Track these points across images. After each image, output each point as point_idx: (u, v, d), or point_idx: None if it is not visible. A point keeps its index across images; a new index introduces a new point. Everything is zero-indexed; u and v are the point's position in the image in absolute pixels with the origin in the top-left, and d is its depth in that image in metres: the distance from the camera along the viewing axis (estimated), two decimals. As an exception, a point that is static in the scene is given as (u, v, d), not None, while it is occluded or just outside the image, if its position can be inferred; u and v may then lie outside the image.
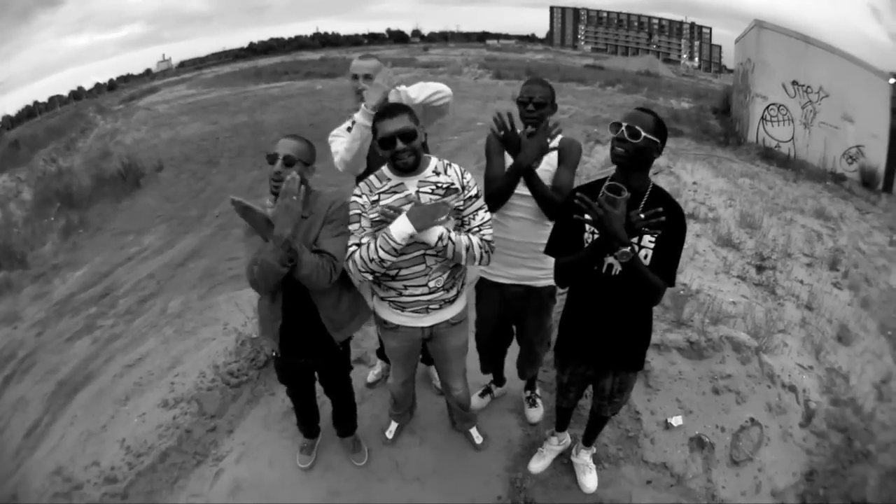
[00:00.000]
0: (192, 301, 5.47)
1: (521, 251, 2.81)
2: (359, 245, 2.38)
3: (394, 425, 3.47)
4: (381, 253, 2.29)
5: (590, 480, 3.14)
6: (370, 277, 2.45)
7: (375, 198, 2.43)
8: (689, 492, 3.18)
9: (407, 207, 2.33)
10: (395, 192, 2.42)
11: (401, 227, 2.27)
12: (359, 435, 3.39)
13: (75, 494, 3.29)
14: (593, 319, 2.45)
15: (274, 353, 2.84)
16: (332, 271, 2.41)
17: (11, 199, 9.84)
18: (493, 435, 3.46)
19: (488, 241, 2.47)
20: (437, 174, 2.45)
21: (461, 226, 2.50)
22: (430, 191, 2.42)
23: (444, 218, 2.34)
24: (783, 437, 3.53)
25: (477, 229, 2.47)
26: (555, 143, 2.63)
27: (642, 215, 2.02)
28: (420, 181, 2.43)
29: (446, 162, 2.51)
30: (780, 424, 3.59)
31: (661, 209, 1.98)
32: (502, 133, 2.52)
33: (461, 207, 2.46)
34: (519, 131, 2.60)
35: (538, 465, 3.25)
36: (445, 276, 2.53)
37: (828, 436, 3.63)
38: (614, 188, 2.02)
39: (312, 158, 2.51)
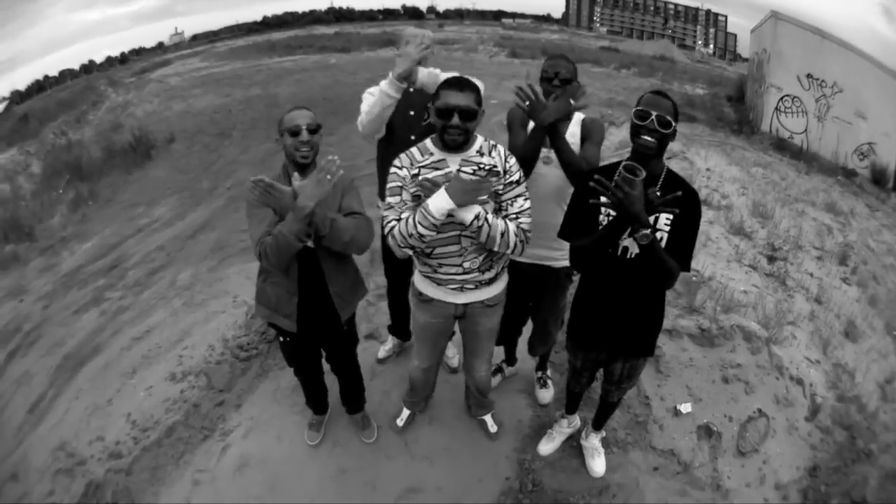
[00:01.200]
0: (201, 273, 5.44)
1: (540, 231, 2.75)
2: (398, 220, 2.32)
3: (406, 413, 3.40)
4: (420, 228, 2.22)
5: (598, 464, 3.15)
6: (409, 252, 2.39)
7: (416, 171, 2.35)
8: (695, 480, 3.19)
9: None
10: (437, 169, 2.35)
11: (439, 202, 2.18)
12: (368, 412, 3.40)
13: (78, 470, 3.26)
14: (606, 303, 2.43)
15: (282, 339, 2.82)
16: (370, 227, 2.46)
17: (20, 173, 9.69)
18: (504, 415, 3.46)
19: (524, 231, 2.36)
20: (481, 154, 2.37)
21: (498, 211, 2.39)
22: (471, 171, 2.33)
23: (485, 197, 2.26)
24: (789, 431, 3.54)
25: (515, 216, 2.37)
26: (578, 115, 2.60)
27: (658, 193, 2.00)
28: (463, 160, 2.35)
29: (492, 143, 2.42)
30: (787, 417, 3.60)
31: (677, 190, 1.98)
32: (527, 103, 2.44)
33: (500, 192, 2.36)
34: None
35: (547, 447, 3.26)
36: (482, 258, 2.46)
37: (832, 432, 3.63)
38: (631, 169, 1.99)
39: None
